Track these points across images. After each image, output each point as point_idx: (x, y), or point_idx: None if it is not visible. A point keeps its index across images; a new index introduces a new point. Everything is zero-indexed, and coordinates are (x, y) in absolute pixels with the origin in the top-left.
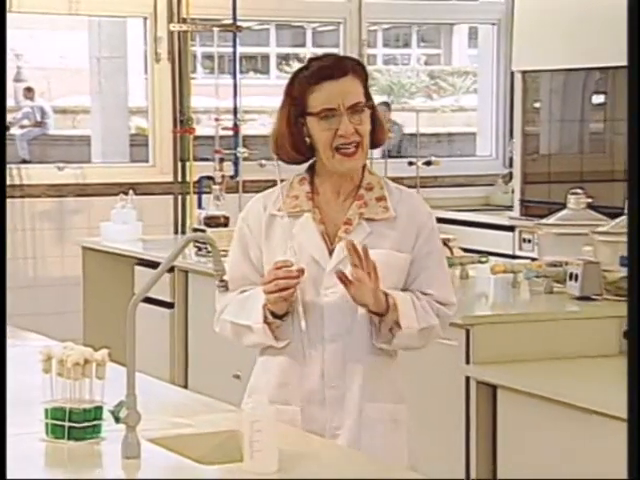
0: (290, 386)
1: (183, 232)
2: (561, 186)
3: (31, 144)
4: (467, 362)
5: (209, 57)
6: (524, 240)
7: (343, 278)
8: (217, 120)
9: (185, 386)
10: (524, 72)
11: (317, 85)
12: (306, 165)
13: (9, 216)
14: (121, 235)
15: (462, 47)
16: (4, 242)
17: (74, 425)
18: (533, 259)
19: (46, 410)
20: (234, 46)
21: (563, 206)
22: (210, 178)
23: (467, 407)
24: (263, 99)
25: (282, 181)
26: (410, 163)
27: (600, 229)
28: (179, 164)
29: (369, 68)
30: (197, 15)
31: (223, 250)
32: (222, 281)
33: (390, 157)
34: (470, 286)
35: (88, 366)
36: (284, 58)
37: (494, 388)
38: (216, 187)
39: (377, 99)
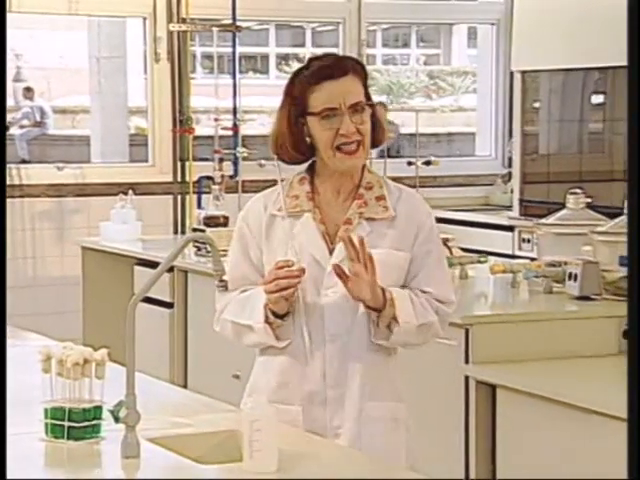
0: (290, 386)
1: (183, 232)
2: (560, 186)
3: (31, 144)
4: (466, 362)
5: (208, 57)
6: (523, 240)
7: (340, 273)
8: (216, 120)
9: (185, 386)
10: (523, 72)
11: (317, 85)
12: (306, 165)
13: (9, 216)
14: (121, 235)
15: (461, 47)
16: (4, 242)
17: (74, 425)
18: (532, 259)
19: (46, 410)
20: (233, 46)
21: (562, 206)
22: (210, 178)
23: (466, 407)
24: (262, 99)
25: (282, 181)
26: (409, 163)
27: (599, 229)
28: (178, 164)
29: (368, 68)
30: (196, 15)
31: (223, 250)
32: (222, 281)
33: (389, 157)
34: (469, 286)
35: (88, 366)
36: (283, 58)
37: (493, 388)
38: (216, 187)
39: (375, 99)
